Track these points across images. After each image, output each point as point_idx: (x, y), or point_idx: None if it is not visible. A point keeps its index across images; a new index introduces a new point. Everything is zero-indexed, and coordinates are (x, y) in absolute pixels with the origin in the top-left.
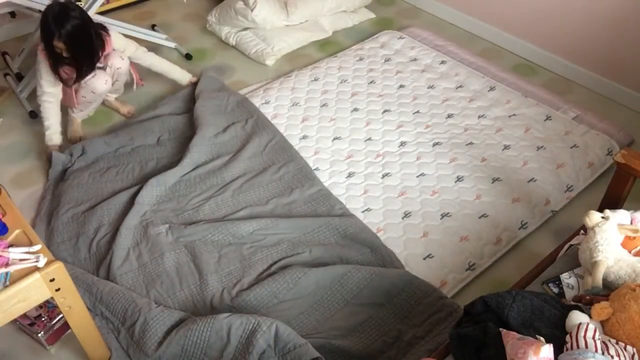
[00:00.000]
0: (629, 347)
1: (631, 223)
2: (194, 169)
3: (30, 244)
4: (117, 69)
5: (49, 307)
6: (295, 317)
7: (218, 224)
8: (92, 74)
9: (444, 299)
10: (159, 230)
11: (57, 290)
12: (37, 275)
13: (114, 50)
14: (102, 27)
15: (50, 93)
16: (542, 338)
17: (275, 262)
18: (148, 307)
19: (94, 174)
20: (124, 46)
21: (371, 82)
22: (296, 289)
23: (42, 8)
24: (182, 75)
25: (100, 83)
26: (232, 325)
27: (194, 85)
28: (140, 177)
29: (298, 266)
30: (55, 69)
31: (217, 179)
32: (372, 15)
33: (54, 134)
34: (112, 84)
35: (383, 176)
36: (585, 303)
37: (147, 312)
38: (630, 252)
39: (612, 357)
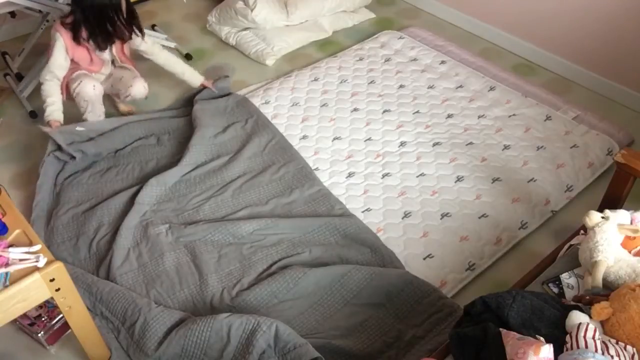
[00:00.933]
0: (629, 347)
1: (631, 223)
2: (194, 169)
3: (30, 244)
4: (138, 97)
5: (49, 307)
6: (295, 317)
7: (218, 224)
8: (79, 80)
9: (444, 299)
10: (159, 230)
11: (57, 290)
12: (37, 275)
13: (136, 78)
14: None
15: (55, 74)
16: (542, 338)
17: (275, 262)
18: (148, 307)
19: (95, 174)
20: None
21: (371, 82)
22: (296, 289)
23: (42, 8)
24: (194, 77)
25: (88, 88)
26: (232, 325)
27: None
28: (140, 177)
29: (298, 266)
30: (76, 39)
31: (217, 179)
32: (372, 15)
33: (55, 111)
34: (125, 100)
35: (383, 176)
36: (585, 303)
37: (147, 312)
38: (630, 252)
39: (612, 357)
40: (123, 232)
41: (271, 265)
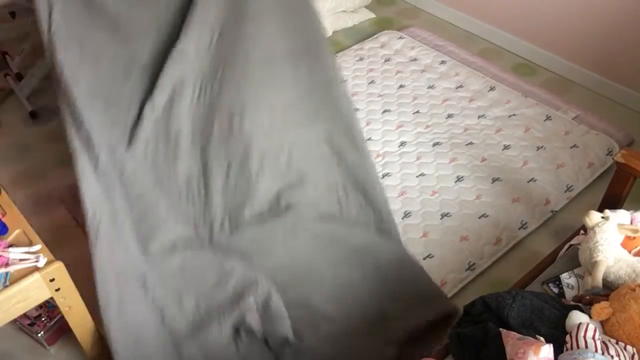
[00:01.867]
0: (629, 347)
1: (631, 223)
2: None
3: (30, 244)
4: None
5: (49, 307)
6: (287, 281)
7: (233, 137)
8: None
9: (445, 300)
10: (179, 128)
11: (57, 290)
12: (37, 275)
13: None
14: None
15: None
16: (542, 338)
17: (281, 194)
18: (166, 222)
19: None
20: None
21: (371, 82)
22: (294, 247)
23: None
24: None
25: None
26: (233, 273)
27: None
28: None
29: (304, 222)
30: None
31: None
32: (372, 15)
33: None
34: None
35: (383, 176)
36: (585, 303)
37: (165, 220)
38: (630, 252)
39: (612, 357)
40: (147, 114)
41: (278, 198)
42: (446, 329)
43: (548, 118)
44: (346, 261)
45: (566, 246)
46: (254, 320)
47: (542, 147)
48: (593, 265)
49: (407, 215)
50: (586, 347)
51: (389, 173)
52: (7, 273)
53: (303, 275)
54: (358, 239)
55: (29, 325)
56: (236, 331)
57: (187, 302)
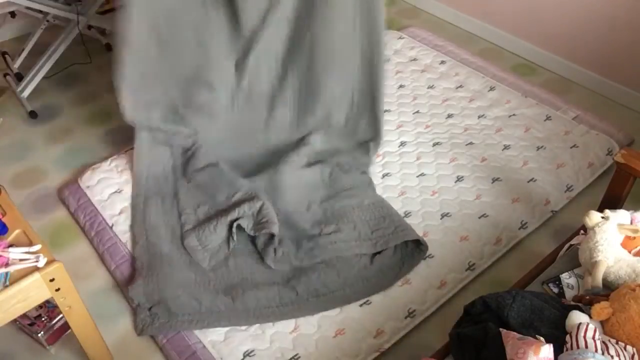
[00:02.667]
0: (629, 347)
1: (631, 223)
2: None
3: (30, 244)
4: None
5: (49, 307)
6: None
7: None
8: None
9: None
10: None
11: (57, 290)
12: (37, 275)
13: None
14: None
15: None
16: (542, 338)
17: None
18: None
19: None
20: None
21: None
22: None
23: (42, 8)
24: None
25: None
26: (240, 190)
27: None
28: None
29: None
30: None
31: None
32: None
33: None
34: None
35: (383, 176)
36: (585, 303)
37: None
38: (630, 252)
39: (612, 357)
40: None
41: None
42: (418, 260)
43: (548, 118)
44: (338, 194)
45: (566, 246)
46: (246, 223)
47: (542, 147)
48: (593, 265)
49: (407, 215)
50: (586, 347)
51: (389, 173)
52: (7, 273)
53: (295, 200)
54: (349, 179)
55: (29, 325)
56: (230, 230)
57: (201, 210)
